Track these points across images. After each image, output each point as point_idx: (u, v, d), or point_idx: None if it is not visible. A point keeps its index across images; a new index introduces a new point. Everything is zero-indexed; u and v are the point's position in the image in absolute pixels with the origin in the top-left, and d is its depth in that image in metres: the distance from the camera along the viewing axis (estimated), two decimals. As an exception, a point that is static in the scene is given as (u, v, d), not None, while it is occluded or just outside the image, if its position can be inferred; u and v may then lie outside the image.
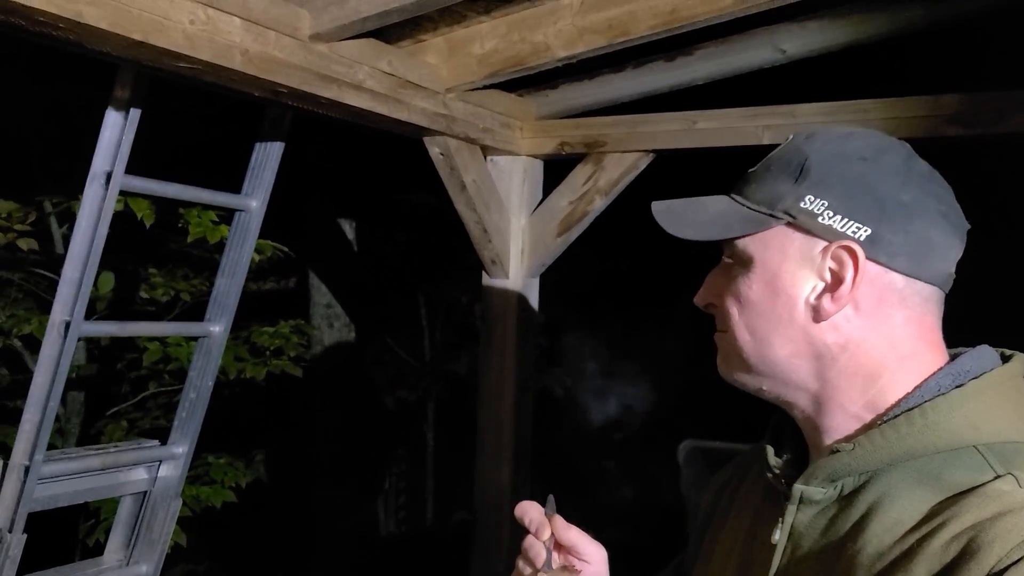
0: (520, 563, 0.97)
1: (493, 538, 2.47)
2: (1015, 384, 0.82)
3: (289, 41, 1.69)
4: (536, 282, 2.56)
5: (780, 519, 0.86)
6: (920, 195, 0.82)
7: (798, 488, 0.85)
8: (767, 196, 0.86)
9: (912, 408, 0.80)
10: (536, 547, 0.95)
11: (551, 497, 0.98)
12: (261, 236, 3.74)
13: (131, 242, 4.23)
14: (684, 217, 0.91)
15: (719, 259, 0.93)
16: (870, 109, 2.01)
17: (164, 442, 2.36)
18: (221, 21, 1.55)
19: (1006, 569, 0.66)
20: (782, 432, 0.95)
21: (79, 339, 2.02)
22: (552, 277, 2.67)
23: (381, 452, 5.93)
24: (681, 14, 1.79)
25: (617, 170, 2.35)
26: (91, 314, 4.15)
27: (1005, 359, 0.85)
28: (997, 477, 0.74)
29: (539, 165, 2.57)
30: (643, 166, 2.36)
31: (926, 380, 0.82)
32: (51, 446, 4.13)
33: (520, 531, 0.98)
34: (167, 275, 4.33)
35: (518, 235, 2.47)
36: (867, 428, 0.82)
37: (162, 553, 2.41)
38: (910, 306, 0.83)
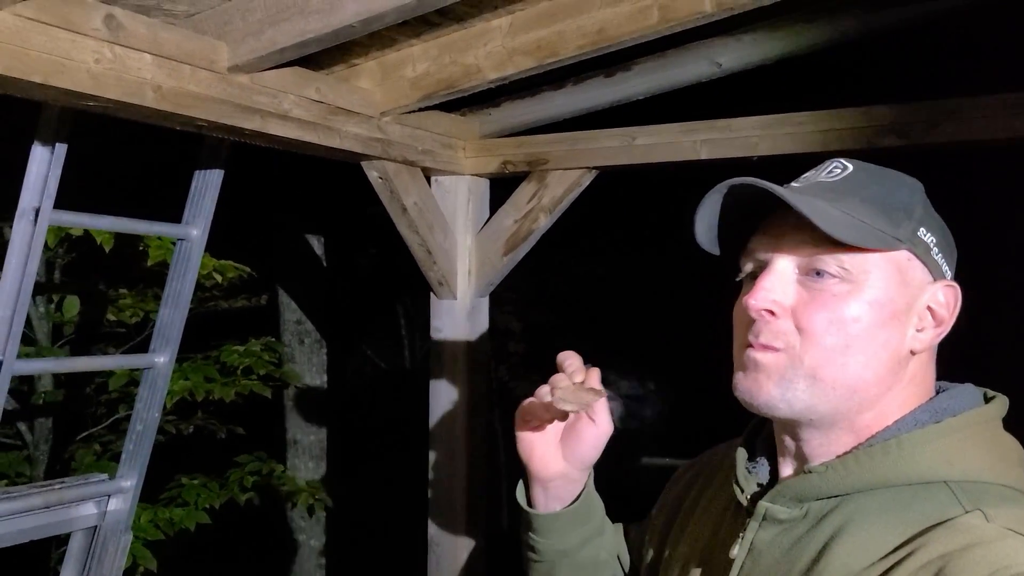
0: (541, 390, 0.98)
1: (449, 561, 2.45)
2: (991, 426, 0.84)
3: (206, 75, 1.67)
4: (485, 302, 2.54)
5: (740, 534, 0.86)
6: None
7: (763, 505, 0.85)
8: (882, 217, 0.82)
9: (889, 439, 0.81)
10: (564, 380, 0.97)
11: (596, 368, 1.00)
12: (228, 255, 3.74)
13: (99, 264, 4.21)
14: (816, 209, 0.80)
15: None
16: (804, 122, 1.99)
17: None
18: (130, 58, 1.53)
19: None
20: (755, 439, 0.95)
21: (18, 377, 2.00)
22: (531, 282, 2.66)
23: (359, 464, 5.91)
24: (608, 33, 1.77)
25: (560, 187, 2.34)
26: (58, 338, 4.14)
27: (988, 399, 0.86)
28: (966, 512, 0.75)
29: (485, 184, 2.55)
30: (586, 183, 2.34)
31: (907, 414, 0.84)
32: (19, 474, 4.10)
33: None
34: (136, 296, 4.30)
35: (464, 255, 2.45)
36: (845, 453, 0.83)
37: (115, 587, 2.39)
38: (936, 347, 0.87)
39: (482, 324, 2.51)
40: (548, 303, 6.11)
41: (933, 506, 0.76)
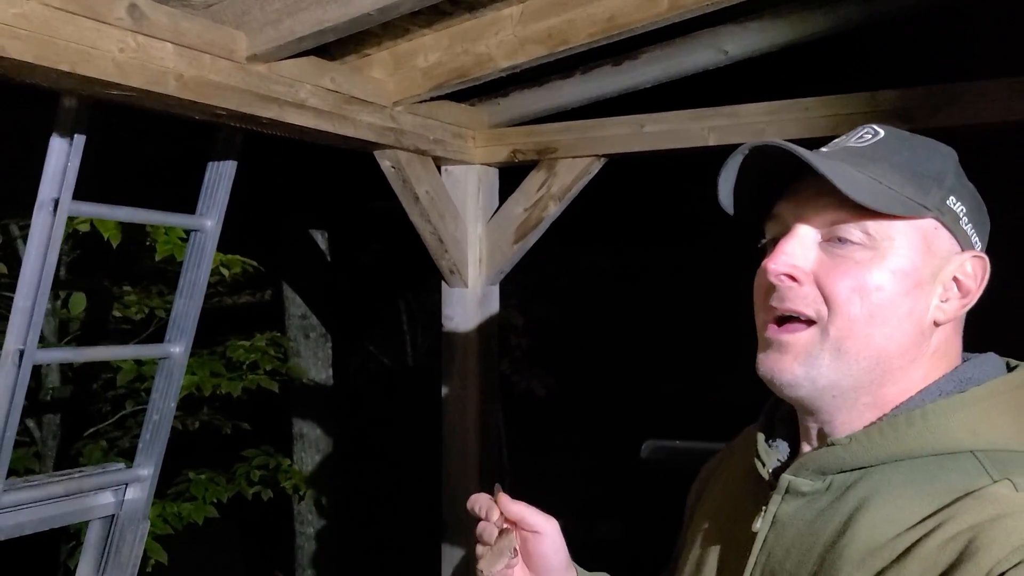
0: (478, 548, 0.96)
1: (460, 551, 2.48)
2: (1016, 394, 0.81)
3: (225, 64, 1.70)
4: (496, 290, 2.57)
5: (764, 508, 0.85)
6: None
7: (786, 478, 0.84)
8: (911, 184, 0.80)
9: (913, 409, 0.80)
10: (488, 528, 0.95)
11: (497, 485, 0.99)
12: (233, 250, 3.76)
13: (104, 261, 4.23)
14: (840, 173, 0.78)
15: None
16: (811, 107, 2.03)
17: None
18: (153, 48, 1.55)
19: (1005, 572, 0.66)
20: (773, 419, 0.94)
21: (43, 365, 2.02)
22: (532, 277, 2.68)
23: (363, 459, 5.93)
24: (618, 21, 1.80)
25: (570, 176, 2.37)
26: (64, 335, 4.16)
27: (1010, 369, 0.85)
28: (994, 482, 0.74)
29: (494, 173, 2.58)
30: (595, 171, 2.37)
31: (931, 384, 0.82)
32: (28, 470, 4.13)
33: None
34: (141, 292, 4.32)
35: (475, 244, 2.48)
36: (868, 425, 0.82)
37: (132, 575, 2.41)
38: (963, 319, 0.85)
39: (493, 312, 2.55)
40: (551, 297, 6.13)
41: (960, 476, 0.75)
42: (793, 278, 0.81)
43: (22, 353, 1.99)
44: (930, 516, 0.73)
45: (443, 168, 2.50)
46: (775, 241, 0.84)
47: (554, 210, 2.40)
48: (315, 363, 5.01)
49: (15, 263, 3.80)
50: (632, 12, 1.78)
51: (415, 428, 6.06)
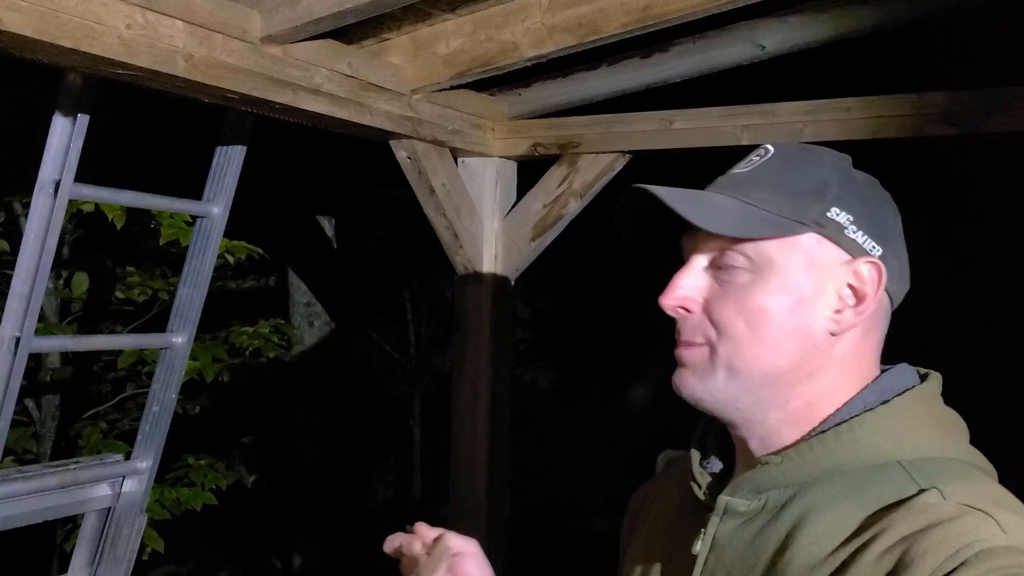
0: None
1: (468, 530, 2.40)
2: (934, 402, 0.85)
3: (238, 44, 1.60)
4: (510, 287, 2.48)
5: (702, 530, 0.86)
6: (899, 222, 0.87)
7: (723, 499, 0.85)
8: (788, 203, 0.82)
9: (840, 423, 0.81)
10: (411, 561, 0.94)
11: (408, 526, 0.98)
12: (239, 236, 3.68)
13: (107, 241, 4.15)
14: (699, 207, 0.83)
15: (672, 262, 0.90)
16: (852, 108, 1.93)
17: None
18: (162, 25, 1.46)
19: None
20: (705, 440, 0.96)
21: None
22: (538, 270, 2.61)
23: (366, 448, 5.88)
24: (654, 11, 1.71)
25: (592, 172, 2.28)
26: (66, 315, 4.09)
27: (922, 377, 0.87)
28: (921, 491, 0.76)
29: (512, 167, 2.49)
30: (619, 167, 2.28)
31: (854, 396, 0.84)
32: (26, 451, 4.06)
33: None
34: (144, 274, 4.25)
35: (491, 240, 2.39)
36: (797, 441, 0.83)
37: (127, 570, 2.35)
38: (883, 325, 0.87)
39: (507, 310, 2.46)
40: (557, 290, 6.06)
41: (889, 487, 0.77)
42: (687, 309, 0.85)
43: (18, 340, 1.91)
44: (865, 528, 0.75)
45: (459, 160, 2.41)
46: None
47: (575, 207, 2.31)
48: (319, 350, 4.95)
49: (18, 241, 3.73)
50: (668, 2, 1.69)
51: (423, 416, 6.03)
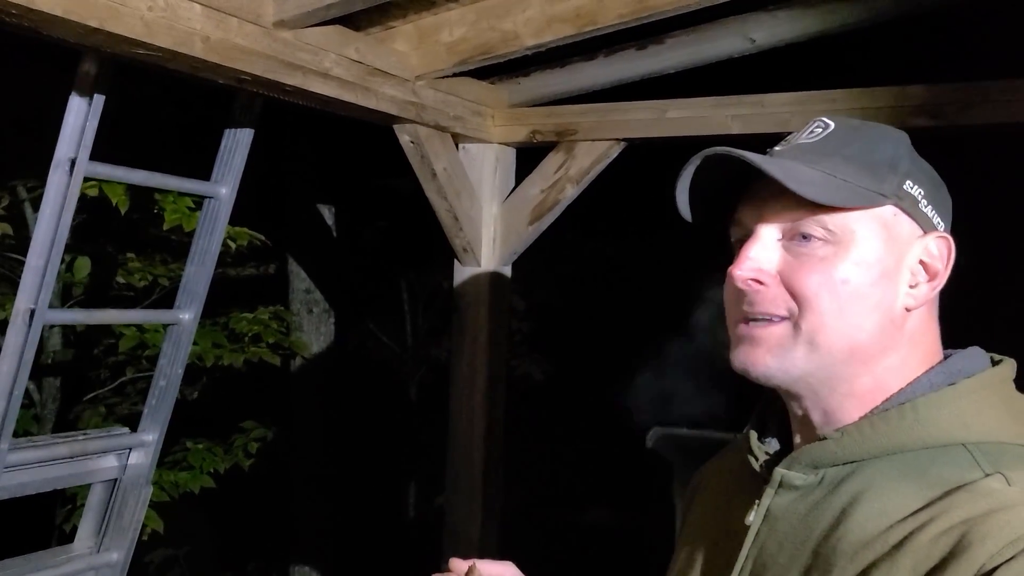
0: None
1: (464, 524, 2.48)
2: (1005, 387, 0.82)
3: (252, 28, 1.68)
4: (508, 270, 2.56)
5: (757, 501, 0.86)
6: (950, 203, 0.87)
7: (779, 472, 0.84)
8: (865, 173, 0.81)
9: (904, 402, 0.80)
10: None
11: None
12: (240, 223, 3.74)
13: (109, 227, 4.20)
14: (791, 173, 0.79)
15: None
16: (838, 99, 2.01)
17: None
18: (181, 8, 1.54)
19: (998, 567, 0.66)
20: (765, 417, 0.95)
21: (50, 326, 2.01)
22: (534, 261, 2.67)
23: (363, 437, 5.93)
24: (650, 3, 1.78)
25: (588, 159, 2.35)
26: (67, 299, 4.14)
27: (995, 363, 0.85)
28: (986, 476, 0.74)
29: (511, 153, 2.56)
30: (614, 155, 2.36)
31: (919, 376, 0.83)
32: (27, 432, 4.13)
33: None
34: (145, 260, 4.30)
35: (490, 223, 2.47)
36: (860, 419, 0.82)
37: (133, 540, 2.41)
38: (937, 303, 0.86)
39: (505, 292, 2.53)
40: (555, 282, 6.11)
41: (952, 470, 0.76)
42: (760, 282, 0.82)
43: (32, 312, 1.97)
44: (922, 509, 0.74)
45: (460, 146, 2.48)
46: (740, 244, 0.86)
47: (571, 193, 2.39)
48: (318, 338, 5.01)
49: (22, 226, 3.78)
50: (664, -6, 1.76)
51: (415, 406, 6.08)
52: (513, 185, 2.55)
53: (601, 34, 1.91)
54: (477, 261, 2.46)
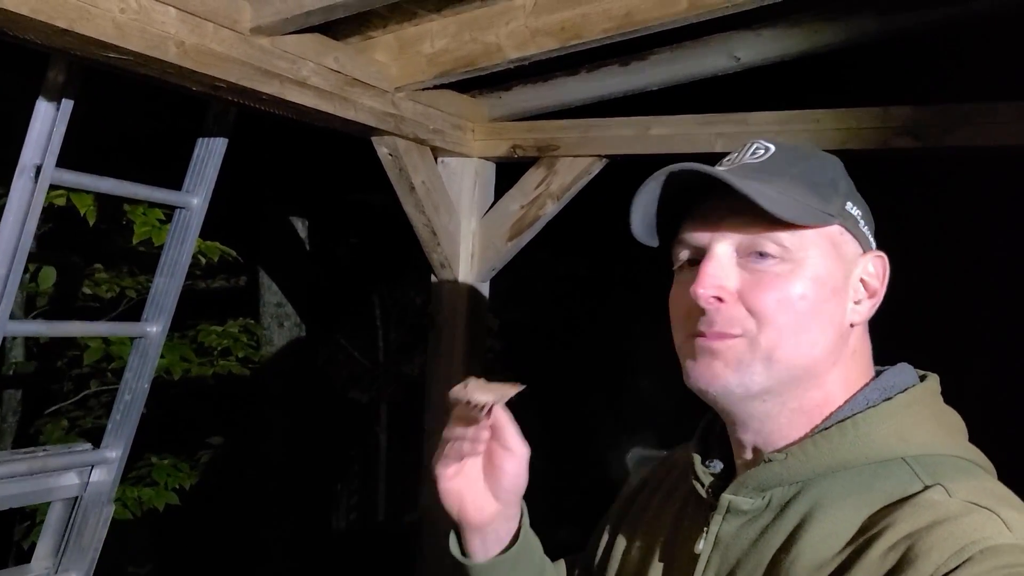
0: (454, 389, 0.91)
1: (439, 540, 2.42)
2: (936, 400, 0.86)
3: (228, 34, 1.63)
4: (486, 286, 2.52)
5: (705, 529, 0.86)
6: None
7: (726, 498, 0.85)
8: (812, 194, 0.82)
9: (844, 419, 0.82)
10: (473, 379, 0.92)
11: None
12: (211, 236, 3.67)
13: (76, 238, 4.11)
14: (759, 191, 0.79)
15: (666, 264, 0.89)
16: (822, 119, 2.00)
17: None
18: (155, 11, 1.48)
19: None
20: (708, 438, 0.95)
21: (7, 338, 1.94)
22: (508, 281, 2.63)
23: (333, 453, 5.85)
24: (635, 18, 1.76)
25: (569, 175, 2.32)
26: (31, 310, 4.04)
27: (922, 377, 0.88)
28: (926, 488, 0.76)
29: (491, 167, 2.53)
30: (596, 171, 2.33)
31: (856, 393, 0.84)
32: (-14, 445, 3.99)
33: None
34: (113, 272, 4.22)
35: (468, 238, 2.43)
36: (802, 438, 0.83)
37: (93, 560, 2.33)
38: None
39: (482, 309, 2.49)
40: (527, 301, 6.09)
41: (894, 483, 0.77)
42: (720, 299, 0.82)
43: (-7, 324, 1.90)
44: (870, 525, 0.75)
45: (439, 159, 2.44)
46: (692, 263, 0.86)
47: (551, 209, 2.36)
48: (289, 352, 4.93)
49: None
50: (650, 9, 1.74)
51: (389, 422, 6.01)
52: (493, 200, 2.51)
53: (585, 48, 1.88)
54: (454, 276, 2.42)
